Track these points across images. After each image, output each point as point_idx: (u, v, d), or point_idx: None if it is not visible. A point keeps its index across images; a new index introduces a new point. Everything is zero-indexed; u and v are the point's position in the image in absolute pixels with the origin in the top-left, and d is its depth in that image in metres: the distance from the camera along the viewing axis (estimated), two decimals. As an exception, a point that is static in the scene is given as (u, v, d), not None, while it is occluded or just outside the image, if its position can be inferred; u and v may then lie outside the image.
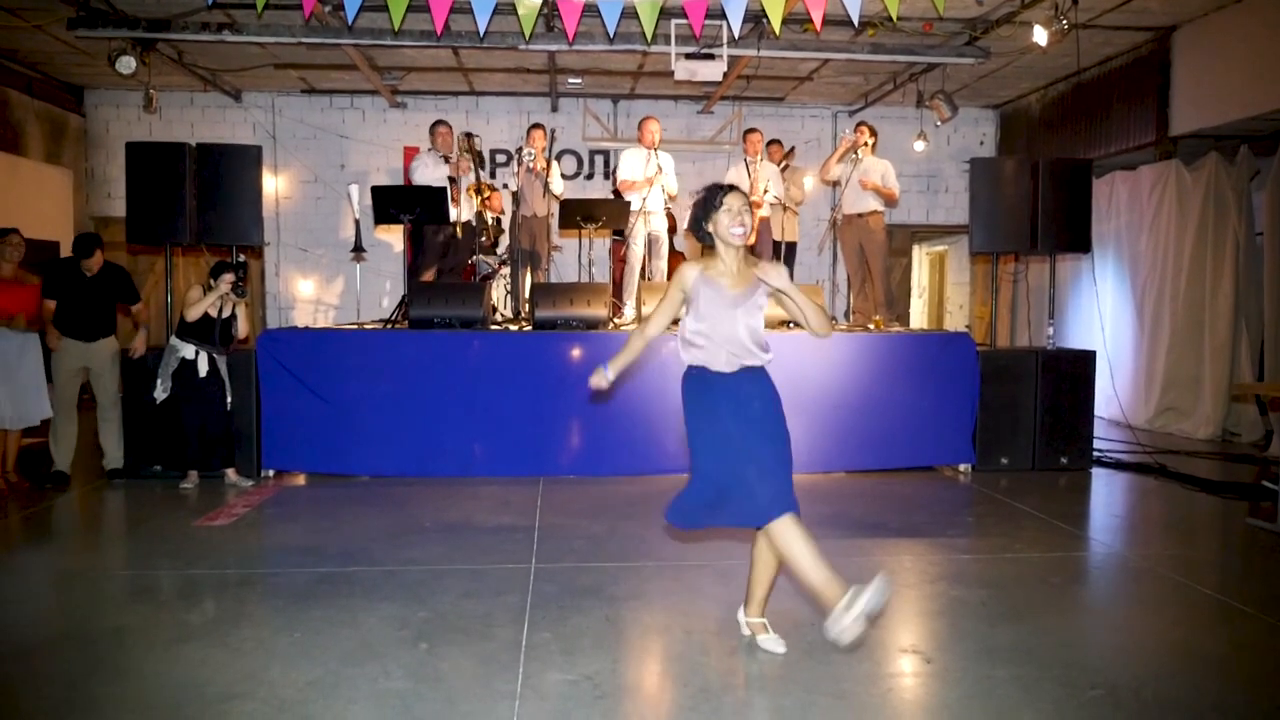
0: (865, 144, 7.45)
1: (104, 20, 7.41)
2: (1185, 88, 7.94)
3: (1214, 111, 7.62)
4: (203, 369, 5.61)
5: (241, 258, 6.20)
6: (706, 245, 3.12)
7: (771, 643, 3.17)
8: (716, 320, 3.01)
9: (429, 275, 7.60)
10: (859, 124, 7.66)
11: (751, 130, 7.88)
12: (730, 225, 3.01)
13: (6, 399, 5.49)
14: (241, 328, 5.82)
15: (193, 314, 5.55)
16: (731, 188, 3.10)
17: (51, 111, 9.63)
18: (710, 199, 3.06)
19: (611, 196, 8.73)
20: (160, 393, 5.58)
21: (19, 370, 5.54)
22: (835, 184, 7.73)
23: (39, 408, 5.67)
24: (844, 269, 8.45)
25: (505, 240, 8.46)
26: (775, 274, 2.93)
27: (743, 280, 3.04)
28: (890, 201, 7.59)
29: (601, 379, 3.16)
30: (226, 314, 5.68)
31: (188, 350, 5.60)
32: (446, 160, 7.67)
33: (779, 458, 2.97)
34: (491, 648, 3.18)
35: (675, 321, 3.21)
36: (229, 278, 5.62)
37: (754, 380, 3.04)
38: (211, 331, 5.64)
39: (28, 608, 3.76)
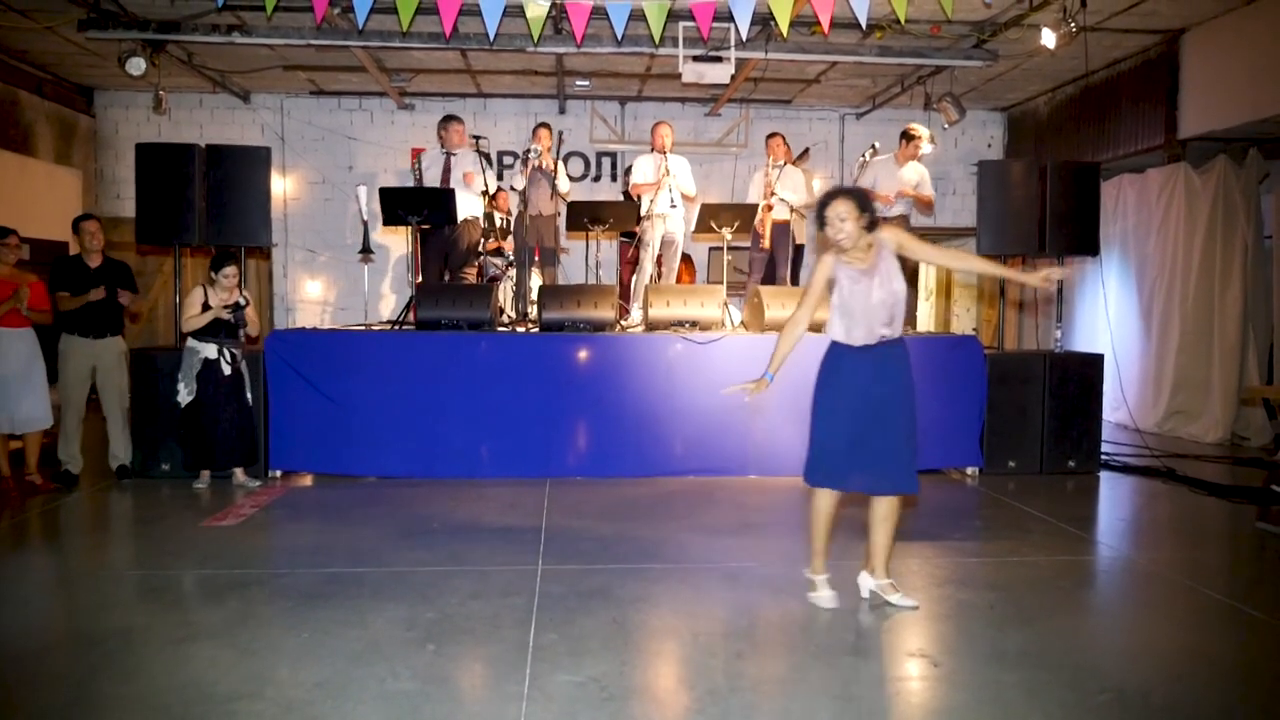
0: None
1: (114, 22, 7.44)
2: (1194, 90, 7.92)
3: (1223, 114, 7.59)
4: (226, 369, 5.62)
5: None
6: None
7: (899, 599, 3.64)
8: (853, 294, 3.52)
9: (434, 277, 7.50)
10: (906, 130, 7.33)
11: (772, 135, 7.83)
12: (834, 235, 3.53)
13: (6, 402, 5.44)
14: (249, 316, 5.74)
15: (194, 325, 5.54)
16: (832, 197, 3.52)
17: (61, 112, 9.68)
18: (820, 209, 3.55)
19: (620, 198, 8.73)
20: (185, 395, 5.56)
21: (19, 374, 5.48)
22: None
23: (41, 414, 5.59)
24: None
25: (512, 241, 8.43)
26: (890, 234, 3.54)
27: (867, 258, 3.54)
28: (927, 208, 7.37)
29: (764, 386, 3.63)
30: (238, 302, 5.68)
31: (209, 350, 5.59)
32: (450, 156, 7.38)
33: (889, 442, 3.50)
34: (499, 649, 3.18)
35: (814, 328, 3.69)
36: (232, 270, 5.63)
37: (885, 360, 3.53)
38: (222, 329, 5.64)
39: (36, 607, 3.78)
